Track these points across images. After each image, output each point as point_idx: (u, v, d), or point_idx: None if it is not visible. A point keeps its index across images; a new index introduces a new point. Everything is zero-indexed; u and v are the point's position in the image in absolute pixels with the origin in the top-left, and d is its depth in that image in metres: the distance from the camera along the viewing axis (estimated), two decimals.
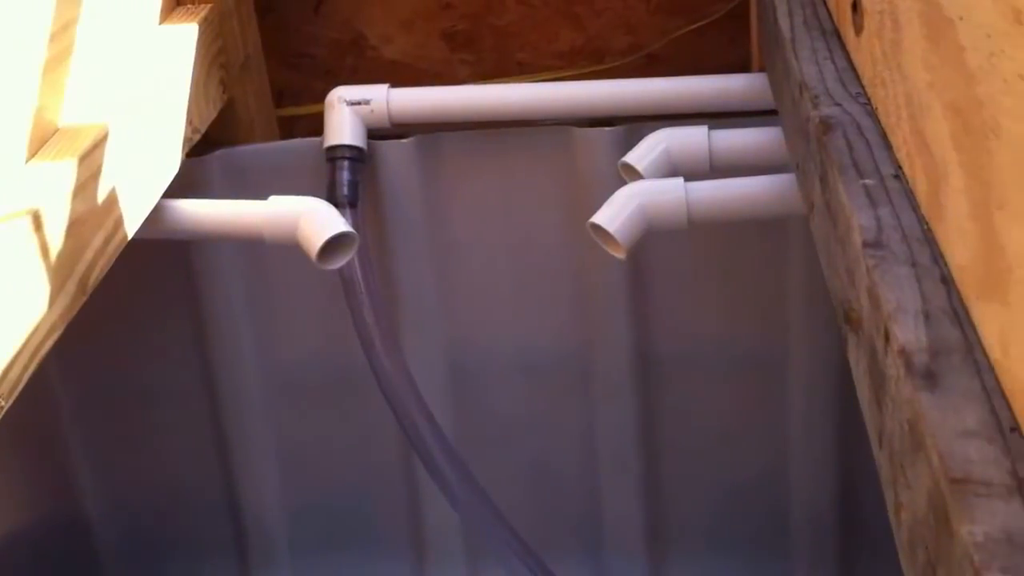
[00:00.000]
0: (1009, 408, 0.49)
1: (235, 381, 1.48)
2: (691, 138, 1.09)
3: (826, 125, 0.77)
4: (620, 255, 1.02)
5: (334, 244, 1.09)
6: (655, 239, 1.09)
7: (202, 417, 1.49)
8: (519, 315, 1.43)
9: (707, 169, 1.10)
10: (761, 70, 1.25)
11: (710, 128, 1.11)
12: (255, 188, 1.33)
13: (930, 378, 0.52)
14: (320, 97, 1.60)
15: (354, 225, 1.21)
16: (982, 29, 0.51)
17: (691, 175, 1.09)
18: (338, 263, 1.10)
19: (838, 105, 0.80)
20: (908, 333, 0.55)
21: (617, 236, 0.99)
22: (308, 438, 1.52)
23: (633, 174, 1.09)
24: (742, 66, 1.41)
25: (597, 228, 1.02)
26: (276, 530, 1.56)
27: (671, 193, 1.00)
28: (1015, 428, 0.48)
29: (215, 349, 1.46)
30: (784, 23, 0.97)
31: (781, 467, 1.46)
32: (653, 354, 1.42)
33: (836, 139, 0.75)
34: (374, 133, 1.31)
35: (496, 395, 1.47)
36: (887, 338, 0.57)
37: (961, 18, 0.55)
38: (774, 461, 1.46)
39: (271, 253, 1.30)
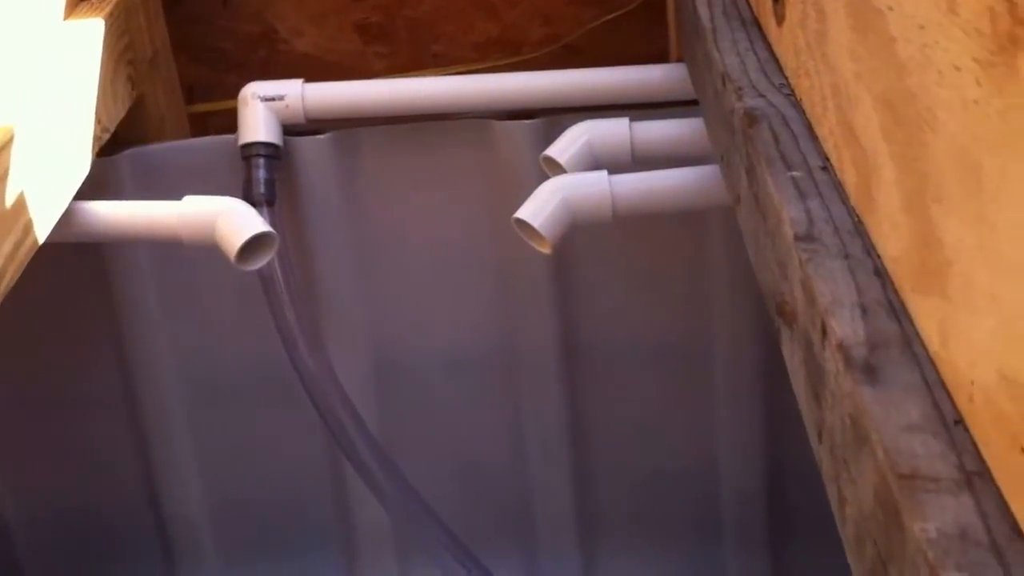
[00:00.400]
0: (951, 400, 0.49)
1: (154, 383, 1.45)
2: (613, 130, 1.09)
3: (751, 117, 0.77)
4: (545, 250, 1.01)
5: (253, 244, 1.06)
6: (578, 231, 1.08)
7: (121, 420, 1.46)
8: (443, 310, 1.42)
9: (629, 161, 1.09)
10: (679, 60, 1.25)
11: (631, 120, 1.11)
12: (168, 188, 1.30)
13: (870, 372, 0.52)
14: (231, 92, 1.56)
15: (272, 224, 1.18)
16: (914, 20, 0.51)
17: (613, 167, 1.08)
18: (258, 264, 1.08)
19: (762, 96, 0.80)
20: (845, 326, 0.55)
21: (542, 231, 0.99)
22: (232, 439, 1.49)
23: (555, 167, 1.09)
24: (659, 56, 1.41)
25: (522, 223, 1.01)
26: (201, 533, 1.53)
27: (595, 186, 1.00)
28: (958, 421, 0.48)
29: (132, 351, 1.42)
30: (703, 13, 0.96)
31: (710, 454, 1.47)
32: (579, 345, 1.42)
33: (762, 131, 0.75)
34: (289, 129, 1.28)
35: (422, 391, 1.46)
36: (824, 332, 0.56)
37: (891, 8, 0.55)
38: (702, 448, 1.47)
39: (187, 252, 1.27)
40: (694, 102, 1.21)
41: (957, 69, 0.46)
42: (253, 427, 1.48)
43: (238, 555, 1.54)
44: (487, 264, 1.38)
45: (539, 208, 1.00)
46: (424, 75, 1.45)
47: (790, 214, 0.65)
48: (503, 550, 1.50)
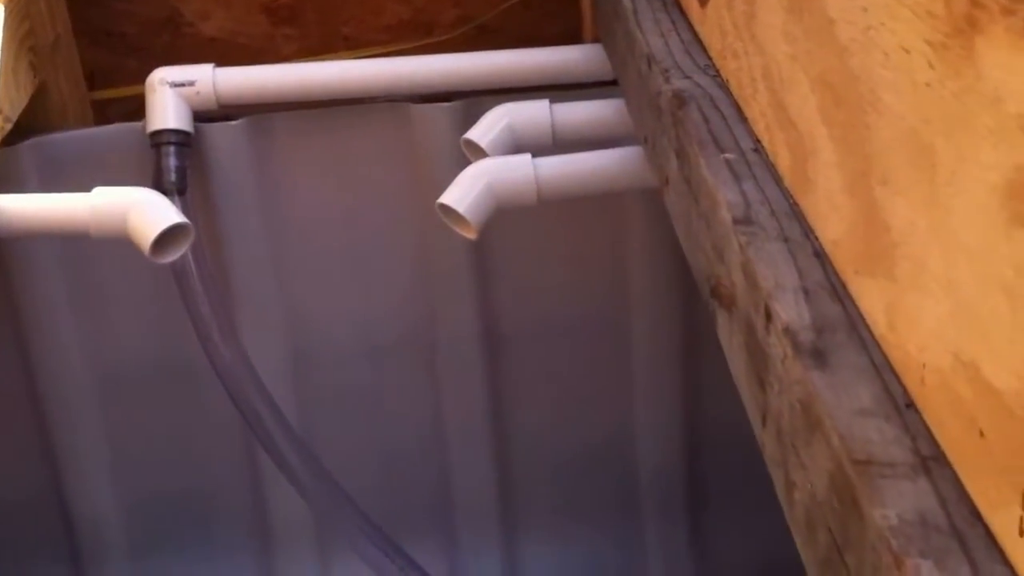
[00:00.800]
0: (900, 383, 0.49)
1: (59, 379, 1.40)
2: (534, 113, 1.08)
3: (680, 99, 0.77)
4: (471, 235, 1.00)
5: (167, 236, 1.03)
6: (497, 214, 1.07)
7: (25, 417, 1.41)
8: (360, 296, 1.39)
9: (550, 143, 1.08)
10: (594, 40, 1.24)
11: (551, 102, 1.09)
12: (72, 178, 1.25)
13: (819, 356, 0.52)
14: (134, 78, 1.51)
15: (184, 213, 1.14)
16: (855, 2, 0.50)
17: (534, 149, 1.07)
18: (173, 256, 1.04)
19: (688, 78, 0.80)
20: (790, 311, 0.55)
21: (467, 216, 0.97)
22: (141, 433, 1.45)
23: (476, 151, 1.07)
24: (572, 36, 1.41)
25: (446, 208, 1.00)
26: (110, 530, 1.48)
27: (520, 170, 0.99)
28: (910, 404, 0.48)
29: (36, 347, 1.37)
30: None
31: (628, 430, 1.48)
32: (498, 328, 1.41)
33: (691, 113, 0.75)
34: (199, 115, 1.25)
35: (340, 379, 1.44)
36: (768, 316, 0.56)
37: None
38: (621, 425, 1.47)
39: (93, 244, 1.23)
40: (611, 83, 1.21)
41: (906, 51, 0.45)
42: (164, 421, 1.44)
43: (148, 553, 1.50)
44: (405, 249, 1.36)
45: (463, 193, 0.98)
46: (335, 58, 1.42)
47: (726, 197, 0.65)
48: (424, 536, 1.49)
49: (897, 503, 0.43)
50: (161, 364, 1.41)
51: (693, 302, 1.39)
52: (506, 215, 1.18)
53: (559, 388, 1.45)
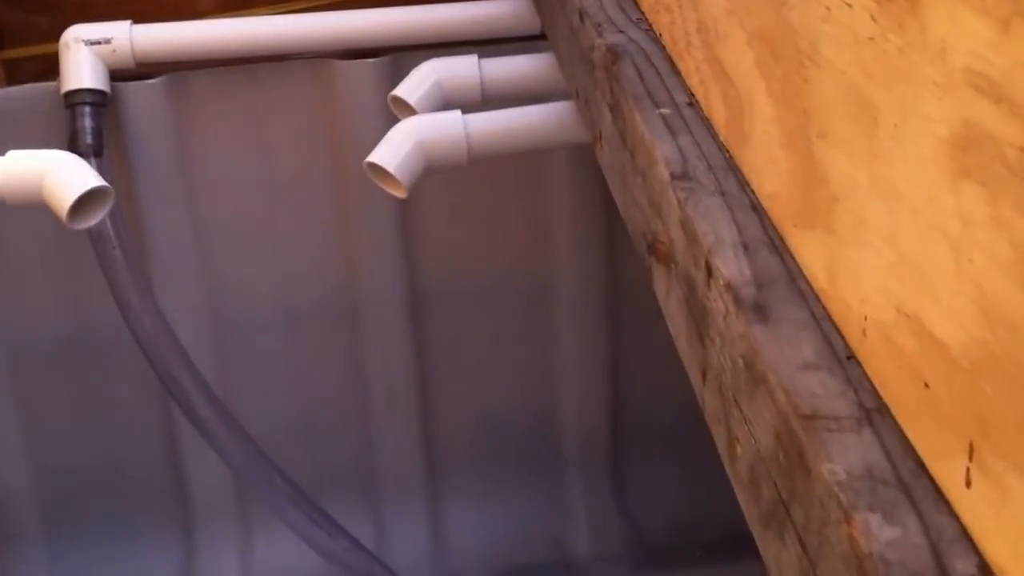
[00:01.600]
0: (840, 336, 0.50)
1: None
2: (462, 68, 1.06)
3: (613, 54, 0.76)
4: (400, 194, 0.99)
5: (85, 200, 1.00)
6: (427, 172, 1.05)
7: None
8: (281, 259, 1.37)
9: (479, 99, 1.07)
10: None
11: (480, 57, 1.08)
12: None
13: (760, 311, 0.52)
14: (45, 36, 1.47)
15: (101, 176, 1.11)
16: None
17: (463, 106, 1.06)
18: (91, 221, 1.01)
19: (622, 32, 0.79)
20: (731, 266, 0.55)
21: (397, 175, 0.96)
22: (54, 406, 1.41)
23: (404, 108, 1.06)
24: None
25: (375, 167, 0.98)
26: (24, 506, 1.44)
27: (450, 127, 0.97)
28: (851, 356, 0.48)
29: None
30: None
31: (552, 389, 1.48)
32: (422, 290, 1.40)
33: (626, 68, 0.74)
34: (116, 74, 1.21)
35: (261, 343, 1.42)
36: (709, 271, 0.56)
37: None
38: (545, 384, 1.48)
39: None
40: (538, 37, 1.20)
41: (848, 5, 0.45)
42: (77, 392, 1.40)
43: (64, 528, 1.46)
44: (326, 210, 1.34)
45: (393, 152, 0.97)
46: (256, 14, 1.39)
47: (663, 152, 0.65)
48: (348, 499, 1.48)
49: (843, 457, 0.43)
50: (73, 333, 1.37)
51: (617, 259, 1.39)
52: (432, 175, 1.17)
53: (483, 349, 1.45)
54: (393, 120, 1.11)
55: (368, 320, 1.41)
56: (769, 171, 0.57)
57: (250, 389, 1.42)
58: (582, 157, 1.27)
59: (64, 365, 1.38)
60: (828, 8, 0.47)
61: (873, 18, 0.43)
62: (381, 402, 1.47)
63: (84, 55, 1.17)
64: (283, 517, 1.30)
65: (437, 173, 1.15)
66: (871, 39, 0.43)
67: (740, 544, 1.44)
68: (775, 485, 0.48)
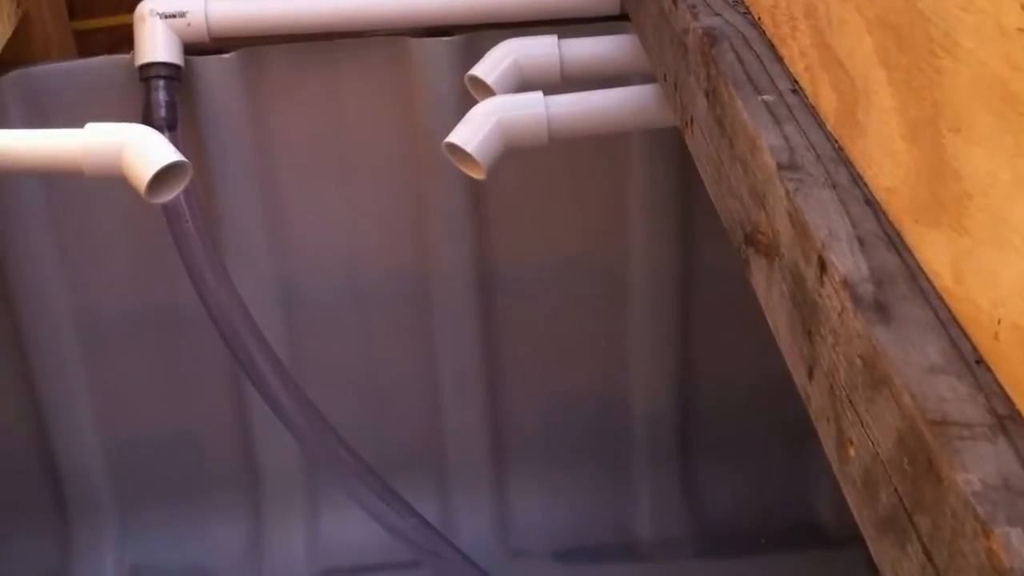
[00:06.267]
0: (968, 339, 0.48)
1: (43, 324, 1.36)
2: (541, 49, 1.05)
3: (711, 37, 0.74)
4: (479, 175, 0.97)
5: (163, 175, 0.99)
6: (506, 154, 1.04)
7: (8, 364, 1.37)
8: (353, 235, 1.37)
9: (557, 80, 1.05)
10: None
11: (559, 38, 1.06)
12: (57, 113, 1.22)
13: (881, 310, 0.50)
14: (115, 8, 1.47)
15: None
16: None
17: (540, 87, 1.04)
18: (168, 196, 1.01)
19: (718, 15, 0.77)
20: (846, 261, 0.53)
21: (476, 155, 0.94)
22: (127, 380, 1.42)
23: (482, 88, 1.04)
24: None
25: (453, 148, 0.97)
26: (97, 479, 1.46)
27: (531, 109, 0.96)
28: (980, 360, 0.47)
29: (19, 291, 1.34)
30: None
31: (621, 375, 1.47)
32: (493, 269, 1.39)
33: (724, 52, 0.72)
34: (190, 48, 1.20)
35: (331, 319, 1.41)
36: (822, 266, 0.54)
37: None
38: (614, 369, 1.47)
39: (76, 183, 1.19)
40: (615, 18, 1.18)
41: None
42: (150, 366, 1.41)
43: (137, 501, 1.47)
44: (399, 188, 1.33)
45: (473, 132, 0.95)
46: None
47: (768, 141, 0.63)
48: (415, 479, 1.48)
49: (979, 467, 0.41)
50: (147, 307, 1.38)
51: (692, 245, 1.37)
52: (506, 157, 1.15)
53: (553, 331, 1.44)
54: (467, 99, 1.09)
55: (438, 300, 1.40)
56: (887, 164, 0.55)
57: (320, 365, 1.42)
58: (658, 141, 1.25)
59: (138, 339, 1.38)
60: None
61: (1023, 8, 0.41)
62: (449, 382, 1.46)
63: (159, 28, 1.16)
64: (351, 494, 1.30)
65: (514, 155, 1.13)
66: (1020, 30, 0.41)
67: (805, 534, 1.45)
68: (896, 491, 0.46)
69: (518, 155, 1.19)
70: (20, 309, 1.35)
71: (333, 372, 1.43)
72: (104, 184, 1.03)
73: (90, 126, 1.00)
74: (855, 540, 0.51)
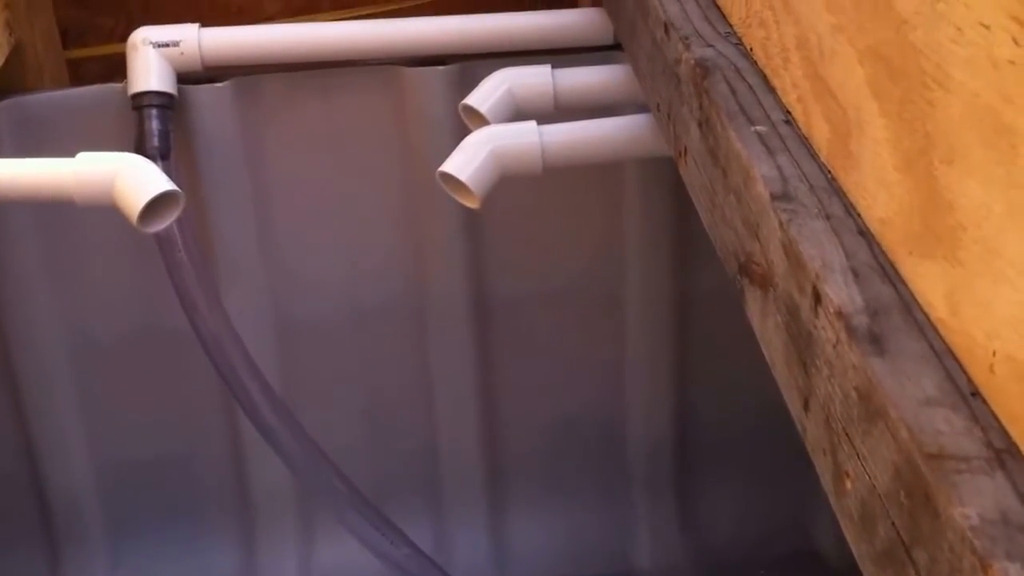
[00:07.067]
0: (963, 371, 0.48)
1: (33, 348, 1.36)
2: (535, 78, 1.05)
3: (703, 68, 0.74)
4: (474, 204, 0.97)
5: (155, 203, 0.99)
6: (500, 183, 1.04)
7: None
8: (348, 263, 1.36)
9: (551, 109, 1.06)
10: (594, 4, 1.21)
11: (553, 67, 1.06)
12: (50, 140, 1.22)
13: (876, 341, 0.50)
14: (109, 36, 1.47)
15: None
16: None
17: (534, 116, 1.04)
18: (160, 225, 1.01)
19: (711, 46, 0.77)
20: (840, 293, 0.53)
21: (470, 184, 0.94)
22: (119, 405, 1.41)
23: (476, 117, 1.04)
24: None
25: (448, 177, 0.97)
26: (87, 505, 1.44)
27: (525, 138, 0.96)
28: (975, 393, 0.46)
29: (9, 314, 1.33)
30: None
31: (618, 400, 1.46)
32: (489, 295, 1.38)
33: (717, 83, 0.72)
34: (184, 77, 1.20)
35: (326, 345, 1.41)
36: (817, 298, 0.54)
37: None
38: (611, 395, 1.46)
39: (68, 209, 1.19)
40: (609, 47, 1.18)
41: (985, 27, 0.43)
42: (142, 390, 1.40)
43: (127, 525, 1.46)
44: (394, 214, 1.33)
45: (467, 161, 0.95)
46: (321, 18, 1.38)
47: (761, 171, 0.63)
48: (410, 504, 1.47)
49: (976, 501, 0.41)
50: (139, 334, 1.37)
51: (687, 272, 1.37)
52: (503, 181, 1.15)
53: (549, 357, 1.43)
54: (462, 127, 1.09)
55: (435, 325, 1.40)
56: (880, 195, 0.55)
57: (315, 392, 1.41)
58: (655, 167, 1.25)
59: (130, 363, 1.38)
60: (960, 29, 0.45)
61: (1015, 41, 0.41)
62: (446, 406, 1.46)
63: (152, 57, 1.16)
64: (344, 522, 1.29)
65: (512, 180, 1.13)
66: (1012, 63, 0.41)
67: (805, 563, 1.44)
68: (893, 525, 0.46)
69: (515, 179, 1.19)
70: (9, 332, 1.35)
71: (329, 397, 1.42)
72: (95, 209, 1.03)
73: (82, 155, 1.00)
74: (855, 570, 0.50)
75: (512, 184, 1.23)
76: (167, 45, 1.16)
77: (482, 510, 1.50)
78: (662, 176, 1.28)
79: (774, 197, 0.60)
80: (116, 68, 1.26)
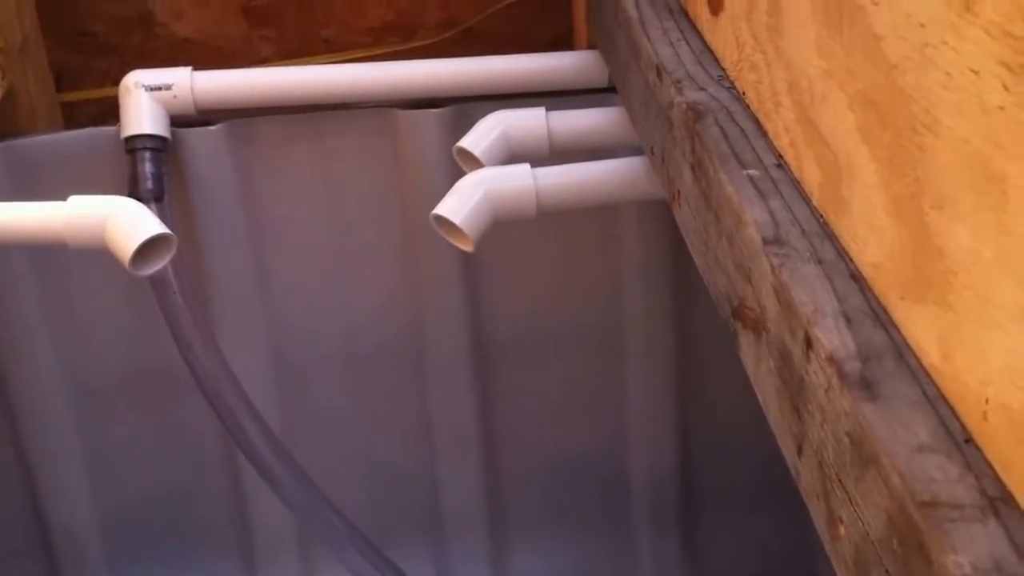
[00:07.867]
0: (956, 417, 0.47)
1: (33, 388, 1.35)
2: (529, 121, 1.05)
3: (695, 112, 0.74)
4: (468, 247, 0.97)
5: (148, 247, 0.99)
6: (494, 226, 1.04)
7: None
8: (345, 305, 1.36)
9: (546, 152, 1.06)
10: (588, 47, 1.21)
11: (547, 109, 1.07)
12: (43, 184, 1.22)
13: (868, 387, 0.49)
14: (103, 79, 1.47)
15: (162, 222, 1.10)
16: (912, 18, 0.48)
17: (529, 159, 1.04)
18: (154, 267, 1.00)
19: (703, 90, 0.77)
20: (832, 338, 0.53)
21: (464, 227, 0.94)
22: (118, 443, 1.41)
23: (470, 160, 1.04)
24: (561, 41, 1.38)
25: (442, 220, 0.97)
26: (88, 542, 1.44)
27: (519, 181, 0.96)
28: (969, 439, 0.46)
29: (7, 356, 1.33)
30: (628, 1, 0.93)
31: (620, 439, 1.46)
32: (488, 336, 1.38)
33: (709, 126, 0.72)
34: (177, 120, 1.21)
35: (324, 388, 1.40)
36: (808, 343, 0.54)
37: (876, 4, 0.52)
38: (613, 434, 1.46)
39: (66, 250, 1.19)
40: (604, 90, 1.18)
41: (974, 72, 0.43)
42: (141, 430, 1.40)
43: (128, 562, 1.45)
44: (390, 257, 1.33)
45: (460, 204, 0.95)
46: (315, 62, 1.39)
47: (753, 215, 0.63)
48: (411, 545, 1.46)
49: (969, 549, 0.41)
50: (138, 372, 1.37)
51: (687, 313, 1.37)
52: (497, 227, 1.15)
53: (550, 397, 1.43)
54: (457, 170, 1.10)
55: (433, 367, 1.39)
56: (871, 240, 0.55)
57: (313, 433, 1.41)
58: (652, 208, 1.25)
59: (129, 402, 1.37)
60: (949, 74, 0.45)
61: (1005, 87, 0.41)
62: (446, 448, 1.45)
63: (145, 100, 1.17)
64: (344, 562, 1.28)
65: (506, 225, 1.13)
66: (1001, 108, 0.41)
67: None
68: (887, 572, 0.46)
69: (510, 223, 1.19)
70: (9, 371, 1.34)
71: (327, 439, 1.42)
72: (92, 252, 1.03)
73: (73, 199, 1.00)
74: None
75: (510, 225, 1.24)
76: (160, 88, 1.17)
77: (484, 551, 1.50)
78: (660, 216, 1.28)
79: (766, 241, 0.60)
80: (110, 111, 1.26)
